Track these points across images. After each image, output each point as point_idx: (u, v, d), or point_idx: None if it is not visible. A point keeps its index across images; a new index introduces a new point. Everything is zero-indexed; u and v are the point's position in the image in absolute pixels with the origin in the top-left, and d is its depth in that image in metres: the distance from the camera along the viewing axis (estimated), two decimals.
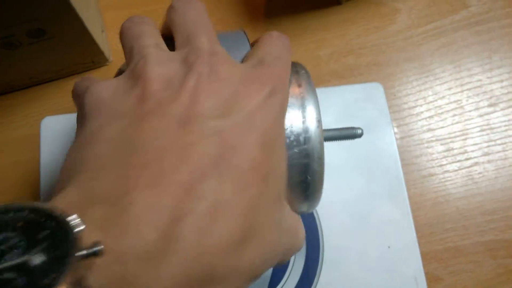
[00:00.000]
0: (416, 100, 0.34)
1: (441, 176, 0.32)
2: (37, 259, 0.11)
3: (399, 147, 0.32)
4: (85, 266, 0.12)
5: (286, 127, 0.19)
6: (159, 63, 0.17)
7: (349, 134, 0.24)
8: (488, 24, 0.36)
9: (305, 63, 0.35)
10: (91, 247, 0.12)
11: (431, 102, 0.34)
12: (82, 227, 0.12)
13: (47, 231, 0.11)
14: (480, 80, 0.34)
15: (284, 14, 0.36)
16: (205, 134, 0.15)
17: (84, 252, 0.12)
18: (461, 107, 0.34)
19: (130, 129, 0.15)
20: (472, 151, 0.33)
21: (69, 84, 0.34)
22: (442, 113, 0.34)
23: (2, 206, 0.12)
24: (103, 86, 0.17)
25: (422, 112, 0.34)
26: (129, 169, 0.14)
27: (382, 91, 0.33)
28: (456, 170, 0.33)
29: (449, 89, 0.34)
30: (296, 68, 0.21)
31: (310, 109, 0.20)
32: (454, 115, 0.34)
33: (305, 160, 0.19)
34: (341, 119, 0.33)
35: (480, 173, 0.32)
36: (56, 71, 0.33)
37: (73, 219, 0.12)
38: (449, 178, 0.32)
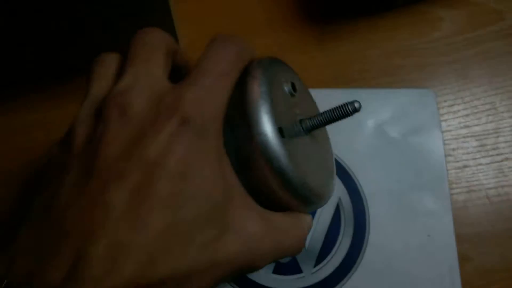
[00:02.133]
0: (455, 99, 0.38)
1: (475, 168, 0.36)
2: None
3: None
4: None
5: (232, 149, 0.19)
6: (81, 124, 0.18)
7: (344, 112, 0.21)
8: None
9: (354, 61, 0.39)
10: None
11: (468, 102, 0.38)
12: None
13: None
14: None
15: (338, 17, 0.40)
16: (107, 180, 0.16)
17: None
18: (495, 108, 0.38)
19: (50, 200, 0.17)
20: (503, 147, 0.37)
21: None
22: (477, 112, 0.38)
23: None
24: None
25: (459, 111, 0.38)
26: (44, 239, 0.16)
27: (433, 97, 0.37)
28: (488, 164, 0.36)
29: (485, 91, 0.38)
30: (254, 69, 0.20)
31: (259, 121, 0.18)
32: (488, 115, 0.38)
33: (265, 179, 0.19)
34: (395, 120, 0.37)
35: (509, 167, 0.36)
36: None
37: None
38: (482, 170, 0.36)
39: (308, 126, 0.22)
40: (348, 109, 0.20)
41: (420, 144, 0.36)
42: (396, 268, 0.33)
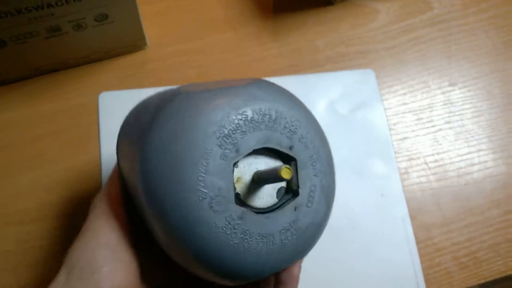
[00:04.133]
0: (393, 80, 0.43)
1: (413, 139, 0.41)
2: None
3: None
4: None
5: None
6: None
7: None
8: (448, 23, 0.45)
9: (305, 50, 0.43)
10: None
11: (404, 82, 0.43)
12: None
13: None
14: (442, 65, 0.44)
15: (288, 11, 0.45)
16: None
17: None
18: (428, 86, 0.43)
19: None
20: (437, 120, 0.42)
21: (114, 64, 0.41)
22: (413, 91, 0.43)
23: None
24: None
25: (398, 90, 0.43)
26: None
27: (374, 76, 0.42)
28: (424, 135, 0.41)
29: (418, 72, 0.43)
30: None
31: None
32: (423, 92, 0.43)
33: None
34: (342, 98, 0.41)
35: (443, 136, 0.41)
36: (105, 52, 0.40)
37: None
38: (419, 140, 0.41)
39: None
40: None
41: (366, 117, 0.41)
42: (357, 224, 0.37)
